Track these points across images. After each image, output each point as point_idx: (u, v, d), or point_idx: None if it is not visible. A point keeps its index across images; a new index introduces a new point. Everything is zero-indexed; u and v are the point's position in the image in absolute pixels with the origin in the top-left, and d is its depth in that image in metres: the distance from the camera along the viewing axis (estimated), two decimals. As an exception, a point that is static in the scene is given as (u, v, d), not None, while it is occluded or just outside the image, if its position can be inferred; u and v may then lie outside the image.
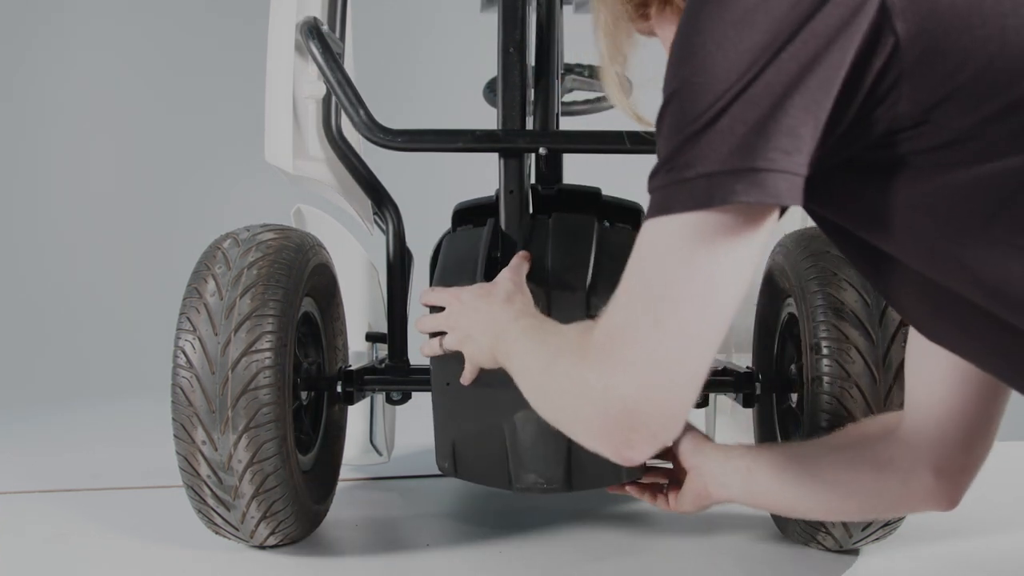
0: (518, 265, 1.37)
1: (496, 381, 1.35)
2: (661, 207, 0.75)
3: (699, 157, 0.72)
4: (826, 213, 0.85)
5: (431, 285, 1.47)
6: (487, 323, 1.25)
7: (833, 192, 0.80)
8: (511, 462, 1.46)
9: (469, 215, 1.61)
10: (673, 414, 0.77)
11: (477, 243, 1.51)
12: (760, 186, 0.71)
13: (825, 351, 1.41)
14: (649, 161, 1.50)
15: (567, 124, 1.83)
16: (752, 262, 0.76)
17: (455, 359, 1.38)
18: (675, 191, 0.74)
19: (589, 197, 1.60)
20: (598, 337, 0.80)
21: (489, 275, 1.42)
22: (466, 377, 1.38)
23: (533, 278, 1.42)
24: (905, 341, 1.40)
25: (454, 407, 1.46)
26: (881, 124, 0.74)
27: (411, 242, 1.75)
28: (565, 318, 1.26)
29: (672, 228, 0.74)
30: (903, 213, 0.77)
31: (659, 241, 0.75)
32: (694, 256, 0.74)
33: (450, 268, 1.50)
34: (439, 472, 1.54)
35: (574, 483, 1.48)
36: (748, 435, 1.80)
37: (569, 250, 1.46)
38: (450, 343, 1.35)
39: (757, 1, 0.72)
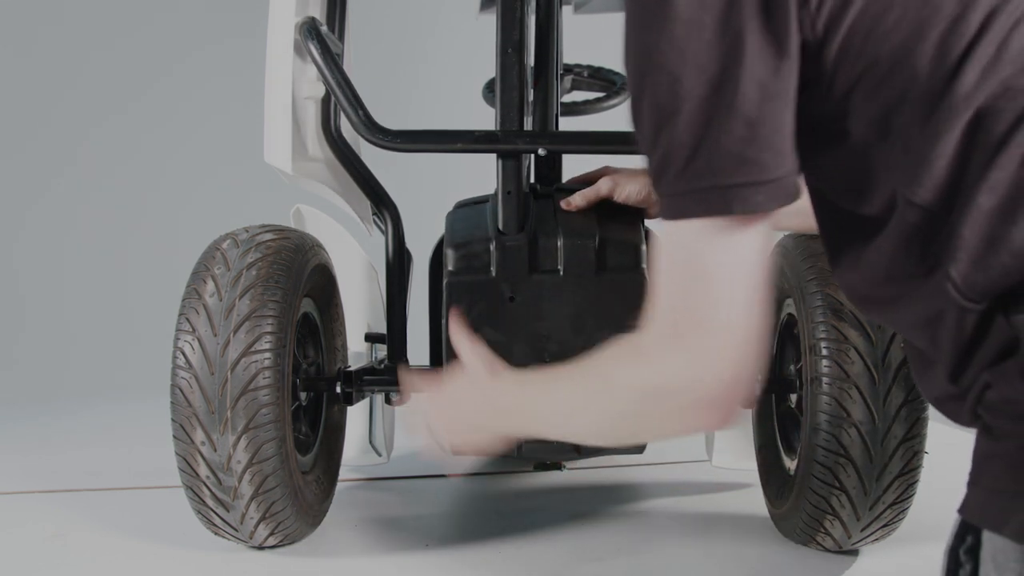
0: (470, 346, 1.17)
1: (507, 333, 1.44)
2: (679, 212, 0.82)
3: (707, 169, 0.78)
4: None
5: (445, 248, 1.50)
6: (480, 408, 1.13)
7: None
8: None
9: None
10: (747, 376, 0.86)
11: (484, 208, 1.54)
12: (778, 193, 0.79)
13: (824, 352, 1.41)
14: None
15: (566, 124, 1.83)
16: (769, 238, 0.84)
17: (469, 304, 1.45)
18: (691, 200, 0.80)
19: None
20: (661, 336, 0.86)
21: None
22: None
23: (545, 234, 1.47)
24: (904, 342, 1.40)
25: None
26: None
27: (410, 243, 1.75)
28: (577, 268, 1.43)
29: (696, 229, 0.81)
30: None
31: (687, 242, 0.83)
32: (722, 250, 0.82)
33: (461, 229, 1.53)
34: (439, 472, 1.54)
35: (582, 448, 1.51)
36: (748, 436, 1.81)
37: (576, 211, 1.51)
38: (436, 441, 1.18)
39: (695, 13, 0.76)
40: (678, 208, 0.82)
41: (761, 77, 0.77)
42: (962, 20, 0.75)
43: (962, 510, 0.77)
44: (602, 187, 1.51)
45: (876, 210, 0.83)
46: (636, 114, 0.82)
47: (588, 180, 1.55)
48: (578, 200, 1.51)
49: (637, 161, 1.54)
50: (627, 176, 1.52)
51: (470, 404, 1.14)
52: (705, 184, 0.79)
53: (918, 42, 0.76)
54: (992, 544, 0.74)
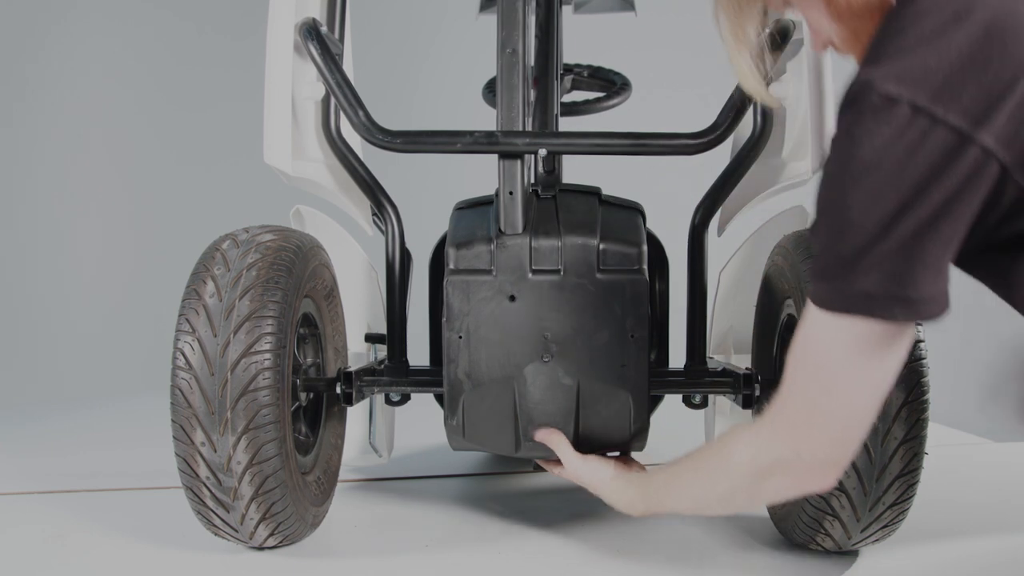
0: (564, 451, 1.50)
1: (507, 332, 1.46)
2: (825, 302, 0.94)
3: (861, 276, 0.90)
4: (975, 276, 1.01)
5: (446, 247, 1.52)
6: (619, 501, 1.44)
7: (976, 264, 0.97)
8: (519, 418, 1.48)
9: None
10: (849, 458, 1.02)
11: (487, 208, 1.56)
12: (915, 310, 0.90)
13: (824, 352, 1.41)
14: (648, 162, 1.51)
15: (566, 124, 1.83)
16: (901, 357, 0.95)
17: (469, 303, 1.47)
18: (841, 298, 0.92)
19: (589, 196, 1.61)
20: (780, 427, 1.03)
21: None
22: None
23: (546, 234, 1.48)
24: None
25: (466, 361, 1.47)
26: (1012, 227, 0.91)
27: (410, 243, 1.75)
28: (577, 268, 1.46)
29: (837, 325, 0.93)
30: None
31: (824, 335, 0.94)
32: (854, 354, 0.93)
33: (463, 228, 1.54)
34: (438, 472, 1.54)
35: (580, 446, 1.53)
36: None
37: (577, 212, 1.54)
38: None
39: (889, 171, 0.87)
40: (825, 298, 0.92)
41: (919, 225, 0.86)
42: None
43: None
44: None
45: None
46: (816, 226, 0.93)
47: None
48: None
49: (636, 162, 1.55)
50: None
51: (617, 494, 1.46)
52: (854, 288, 0.90)
53: None
54: None
